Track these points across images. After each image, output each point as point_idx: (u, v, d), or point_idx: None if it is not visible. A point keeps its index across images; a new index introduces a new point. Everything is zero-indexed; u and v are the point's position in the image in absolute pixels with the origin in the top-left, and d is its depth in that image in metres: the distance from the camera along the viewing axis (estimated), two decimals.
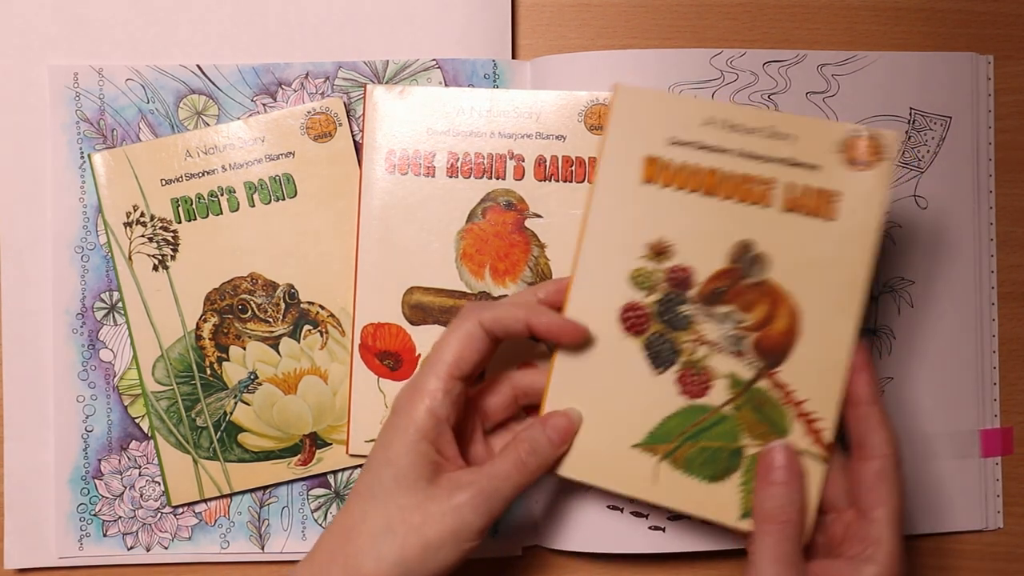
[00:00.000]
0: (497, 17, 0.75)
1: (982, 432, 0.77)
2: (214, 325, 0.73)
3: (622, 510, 0.74)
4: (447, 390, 0.60)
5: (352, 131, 0.74)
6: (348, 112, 0.74)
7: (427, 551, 0.58)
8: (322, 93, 0.74)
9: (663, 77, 0.74)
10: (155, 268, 0.73)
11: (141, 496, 0.74)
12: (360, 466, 0.74)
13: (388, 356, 0.73)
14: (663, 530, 0.74)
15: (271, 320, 0.74)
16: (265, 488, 0.74)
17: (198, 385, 0.73)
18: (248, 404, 0.74)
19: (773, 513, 0.60)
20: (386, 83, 0.74)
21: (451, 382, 0.60)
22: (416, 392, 0.61)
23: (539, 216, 0.73)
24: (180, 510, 0.74)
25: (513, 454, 0.61)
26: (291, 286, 0.74)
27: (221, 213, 0.73)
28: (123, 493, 0.74)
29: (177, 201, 0.73)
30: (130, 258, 0.73)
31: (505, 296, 0.72)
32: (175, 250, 0.73)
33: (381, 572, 0.58)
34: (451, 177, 0.73)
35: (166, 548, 0.74)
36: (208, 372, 0.73)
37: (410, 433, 0.60)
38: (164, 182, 0.73)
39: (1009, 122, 0.78)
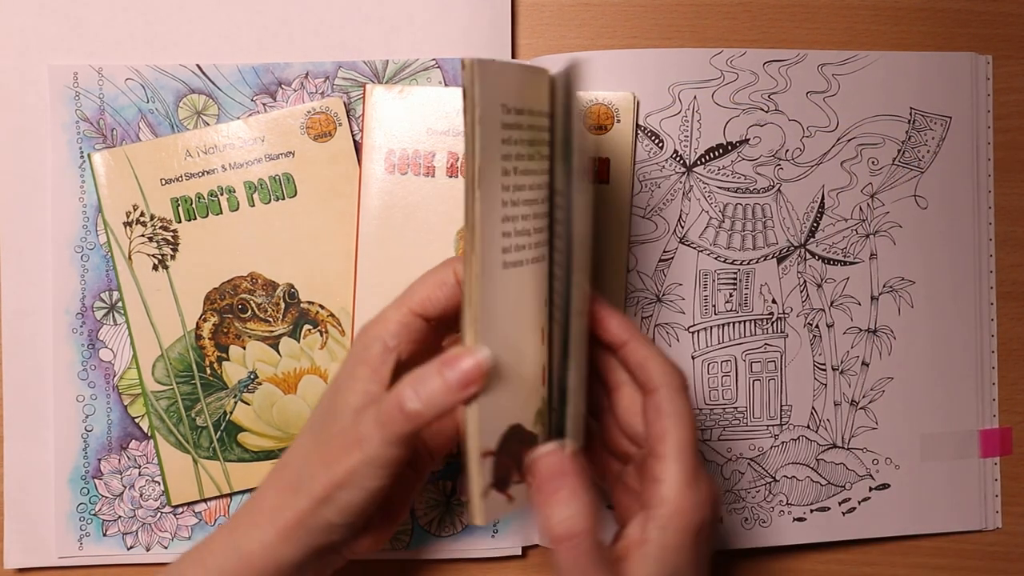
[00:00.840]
0: (497, 17, 0.75)
1: (981, 432, 0.77)
2: (214, 325, 0.73)
3: None
4: (404, 322, 0.59)
5: (352, 131, 0.74)
6: (348, 112, 0.74)
7: (334, 490, 0.57)
8: (322, 93, 0.74)
9: (663, 77, 0.74)
10: (155, 268, 0.73)
11: (141, 496, 0.74)
12: None
13: None
14: None
15: (271, 320, 0.74)
16: None
17: (198, 385, 0.73)
18: (248, 404, 0.74)
19: (562, 532, 0.54)
20: (386, 83, 0.74)
21: (411, 316, 0.59)
22: (374, 320, 0.60)
23: None
24: (180, 510, 0.74)
25: (405, 380, 0.56)
26: (291, 286, 0.74)
27: (221, 213, 0.73)
28: (123, 493, 0.74)
29: (177, 201, 0.73)
30: (130, 258, 0.73)
31: None
32: (175, 250, 0.73)
33: (295, 517, 0.58)
34: (451, 177, 0.73)
35: (166, 548, 0.74)
36: (208, 372, 0.73)
37: (354, 360, 0.59)
38: (164, 182, 0.73)
39: (1008, 122, 0.78)
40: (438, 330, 0.61)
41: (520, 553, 0.76)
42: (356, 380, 0.58)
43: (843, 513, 0.76)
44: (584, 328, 0.58)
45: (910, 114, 0.77)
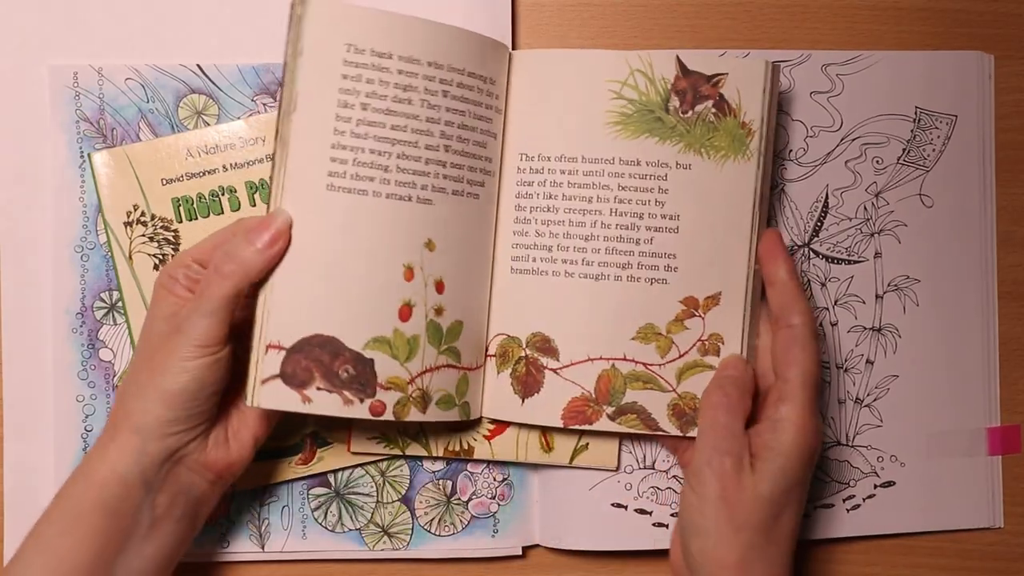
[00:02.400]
0: (497, 17, 0.75)
1: (989, 430, 0.77)
2: None
3: (626, 507, 0.74)
4: (186, 264, 0.65)
5: None
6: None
7: (159, 380, 0.61)
8: None
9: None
10: (156, 268, 0.73)
11: None
12: (360, 465, 0.75)
13: None
14: (667, 527, 0.74)
15: None
16: (265, 487, 0.74)
17: None
18: None
19: (723, 402, 0.65)
20: None
21: (191, 262, 0.65)
22: (168, 263, 0.70)
23: None
24: None
25: (209, 267, 0.63)
26: None
27: (222, 213, 0.73)
28: None
29: (178, 200, 0.73)
30: (130, 257, 0.73)
31: None
32: (176, 250, 0.73)
33: (128, 423, 0.62)
34: None
35: None
36: None
37: (154, 301, 0.65)
38: (164, 182, 0.73)
39: (1009, 121, 0.78)
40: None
41: (520, 553, 0.76)
42: (156, 302, 0.65)
43: (847, 510, 0.76)
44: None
45: (915, 113, 0.77)
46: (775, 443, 0.63)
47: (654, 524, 0.74)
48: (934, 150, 0.77)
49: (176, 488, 0.63)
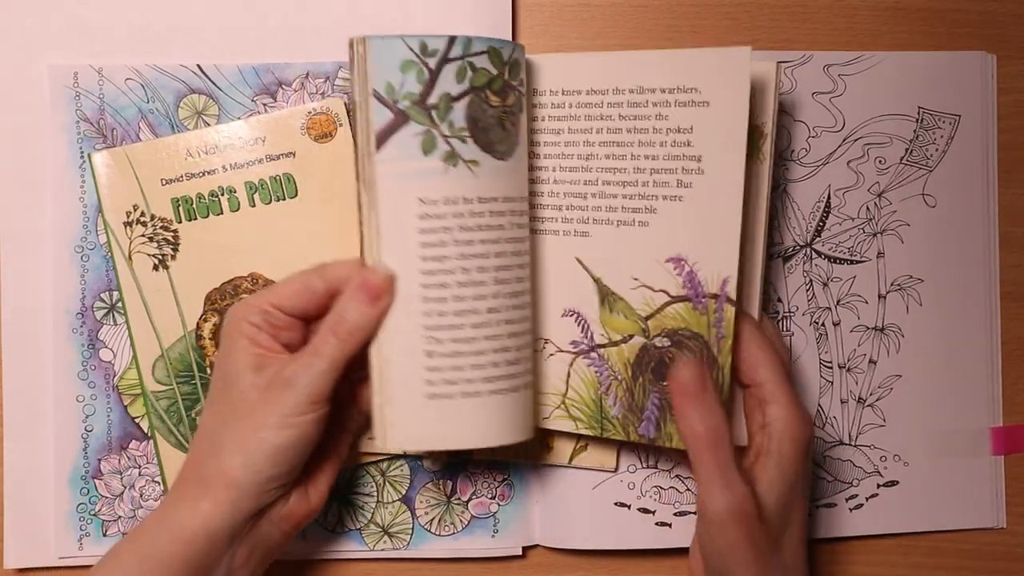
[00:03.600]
0: (497, 17, 0.75)
1: (993, 430, 0.77)
2: (215, 325, 0.73)
3: (629, 507, 0.74)
4: (264, 310, 0.63)
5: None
6: (349, 112, 0.74)
7: (265, 433, 0.60)
8: (322, 93, 0.74)
9: None
10: (155, 268, 0.73)
11: (141, 496, 0.74)
12: (360, 465, 0.75)
13: None
14: (669, 526, 0.75)
15: None
16: None
17: (198, 385, 0.73)
18: None
19: (703, 433, 0.60)
20: None
21: (270, 307, 0.63)
22: (240, 303, 0.64)
23: None
24: None
25: (322, 328, 0.62)
26: None
27: (221, 213, 0.73)
28: (123, 493, 0.74)
29: (177, 201, 0.73)
30: (130, 258, 0.73)
31: None
32: (175, 250, 0.73)
33: (226, 477, 0.61)
34: None
35: None
36: (208, 372, 0.73)
37: (229, 338, 0.63)
38: (164, 182, 0.73)
39: (1010, 122, 0.78)
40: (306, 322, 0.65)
41: (520, 553, 0.76)
42: (239, 350, 0.62)
43: (850, 509, 0.76)
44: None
45: (918, 113, 0.77)
46: (770, 445, 0.63)
47: (657, 523, 0.74)
48: (937, 150, 0.77)
49: (256, 540, 0.63)
